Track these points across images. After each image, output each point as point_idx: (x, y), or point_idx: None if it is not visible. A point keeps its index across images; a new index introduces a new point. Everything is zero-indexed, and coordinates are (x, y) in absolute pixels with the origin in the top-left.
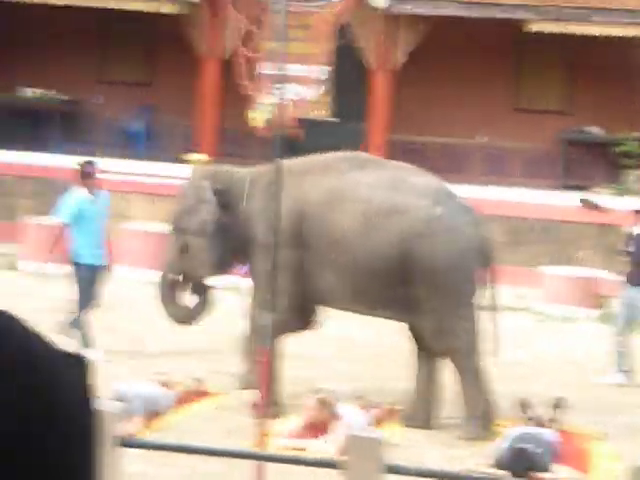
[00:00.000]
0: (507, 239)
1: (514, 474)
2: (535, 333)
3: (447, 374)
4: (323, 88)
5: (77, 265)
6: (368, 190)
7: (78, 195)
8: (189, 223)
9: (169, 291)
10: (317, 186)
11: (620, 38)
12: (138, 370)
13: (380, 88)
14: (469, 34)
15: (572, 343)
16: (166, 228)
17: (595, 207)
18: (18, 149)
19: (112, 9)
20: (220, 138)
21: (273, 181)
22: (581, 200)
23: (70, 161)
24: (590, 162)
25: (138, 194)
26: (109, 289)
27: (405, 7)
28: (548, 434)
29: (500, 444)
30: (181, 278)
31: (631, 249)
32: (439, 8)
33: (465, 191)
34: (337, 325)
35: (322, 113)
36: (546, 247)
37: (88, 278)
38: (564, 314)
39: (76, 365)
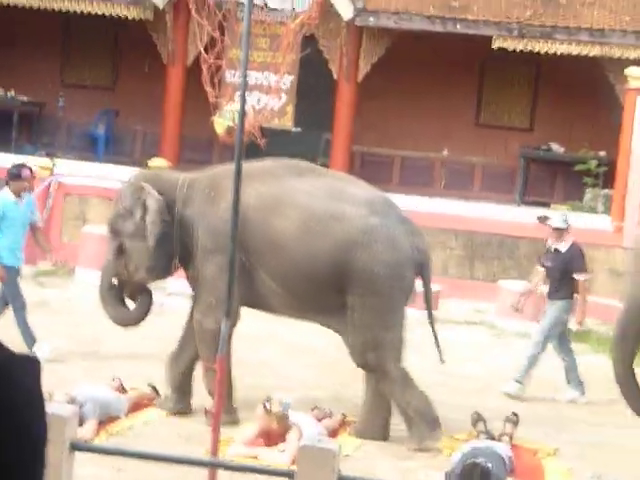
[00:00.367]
0: (465, 253)
1: None
2: (490, 347)
3: None
4: (286, 97)
5: None
6: (306, 197)
7: (2, 197)
8: (125, 226)
9: (108, 294)
10: (257, 191)
11: (584, 57)
12: (92, 373)
13: (344, 99)
14: (433, 48)
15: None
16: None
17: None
18: None
19: (76, 12)
20: (182, 145)
21: (211, 185)
22: (538, 217)
23: (28, 162)
24: (550, 179)
25: (97, 197)
26: (68, 292)
27: (369, 19)
28: (500, 448)
29: (452, 457)
30: (117, 281)
31: (547, 264)
32: (403, 21)
33: (424, 204)
34: (291, 331)
35: (285, 122)
36: (503, 262)
37: (11, 279)
38: (519, 329)
39: (25, 365)
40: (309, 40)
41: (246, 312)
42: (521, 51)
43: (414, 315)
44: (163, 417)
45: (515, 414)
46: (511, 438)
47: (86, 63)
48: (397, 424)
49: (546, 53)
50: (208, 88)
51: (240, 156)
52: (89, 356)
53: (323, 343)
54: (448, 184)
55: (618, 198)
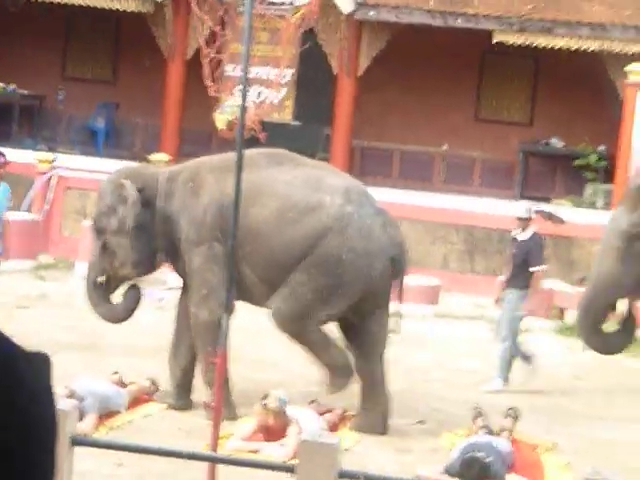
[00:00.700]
0: (466, 248)
1: None
2: (490, 342)
3: (392, 377)
4: (286, 91)
5: None
6: (284, 187)
7: None
8: (108, 222)
9: (94, 291)
10: None
11: (584, 51)
12: (92, 367)
13: (344, 92)
14: (434, 42)
15: None
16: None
17: (550, 218)
18: None
19: (77, 6)
20: (181, 138)
21: (191, 178)
22: (537, 211)
23: (28, 156)
24: (550, 174)
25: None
26: (68, 285)
27: (369, 13)
28: (500, 443)
29: (452, 452)
30: (104, 278)
31: (512, 252)
32: (403, 15)
33: (423, 198)
34: None
35: (285, 116)
36: (503, 257)
37: None
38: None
39: (36, 363)
40: (309, 34)
41: (247, 307)
42: (521, 45)
43: (412, 310)
44: (163, 411)
45: (515, 409)
46: (511, 433)
47: (86, 57)
48: (396, 418)
49: (546, 48)
50: (208, 82)
51: (241, 150)
52: (89, 350)
53: None
54: (448, 179)
55: (618, 193)
